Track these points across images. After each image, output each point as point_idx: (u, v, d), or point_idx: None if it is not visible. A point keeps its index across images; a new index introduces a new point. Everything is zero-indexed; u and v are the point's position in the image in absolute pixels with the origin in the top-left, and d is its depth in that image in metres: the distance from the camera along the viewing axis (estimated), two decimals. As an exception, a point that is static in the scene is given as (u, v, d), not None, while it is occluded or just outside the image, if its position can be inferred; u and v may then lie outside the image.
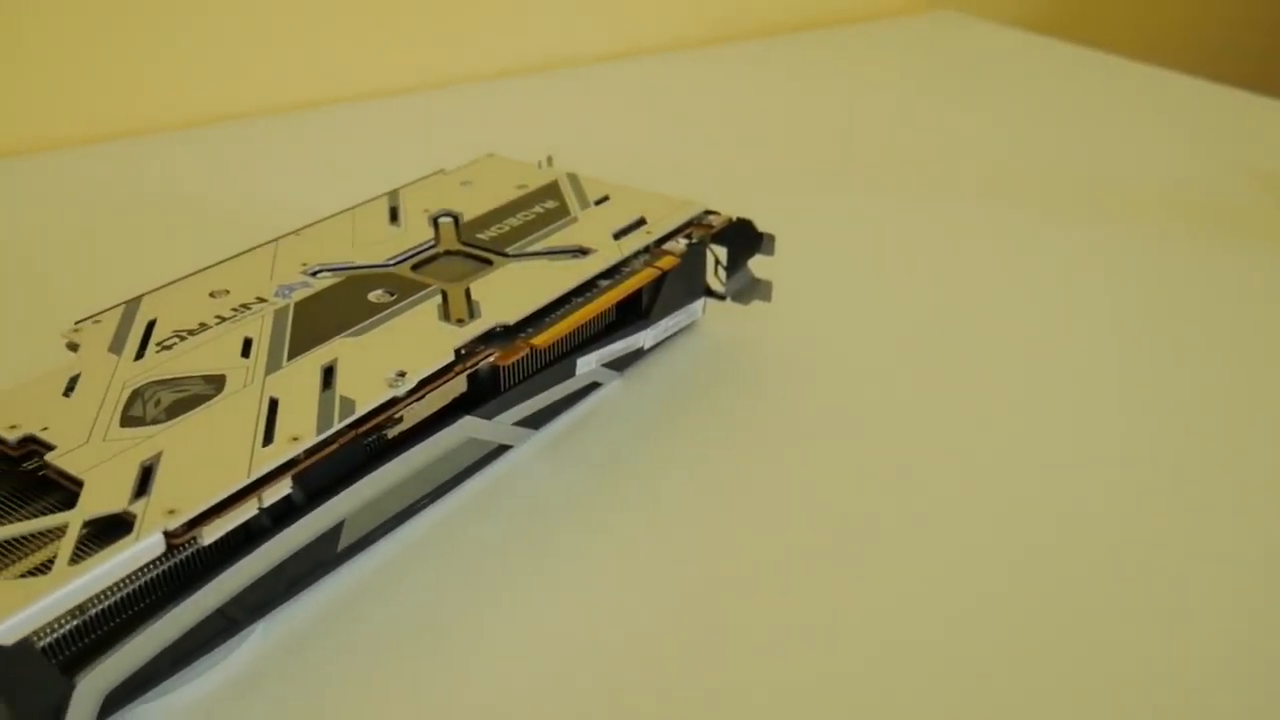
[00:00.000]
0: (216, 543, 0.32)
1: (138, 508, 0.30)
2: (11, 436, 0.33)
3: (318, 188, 0.66)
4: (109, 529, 0.30)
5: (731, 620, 0.36)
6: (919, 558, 0.38)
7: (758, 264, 0.51)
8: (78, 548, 0.29)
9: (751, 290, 0.51)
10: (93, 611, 0.30)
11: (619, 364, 0.48)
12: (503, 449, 0.43)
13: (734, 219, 0.50)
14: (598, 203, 0.50)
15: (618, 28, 0.99)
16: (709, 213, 0.50)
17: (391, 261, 0.45)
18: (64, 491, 0.32)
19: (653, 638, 0.35)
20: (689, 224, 0.49)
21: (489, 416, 0.41)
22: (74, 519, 0.30)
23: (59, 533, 0.30)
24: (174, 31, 0.77)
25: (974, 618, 0.36)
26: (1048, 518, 0.40)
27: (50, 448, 0.33)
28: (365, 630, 0.35)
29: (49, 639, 0.29)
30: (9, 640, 0.27)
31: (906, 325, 0.53)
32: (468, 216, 0.49)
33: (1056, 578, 0.37)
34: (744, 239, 0.50)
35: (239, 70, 0.81)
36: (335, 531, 0.36)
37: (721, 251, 0.51)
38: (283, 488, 0.33)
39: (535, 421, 0.44)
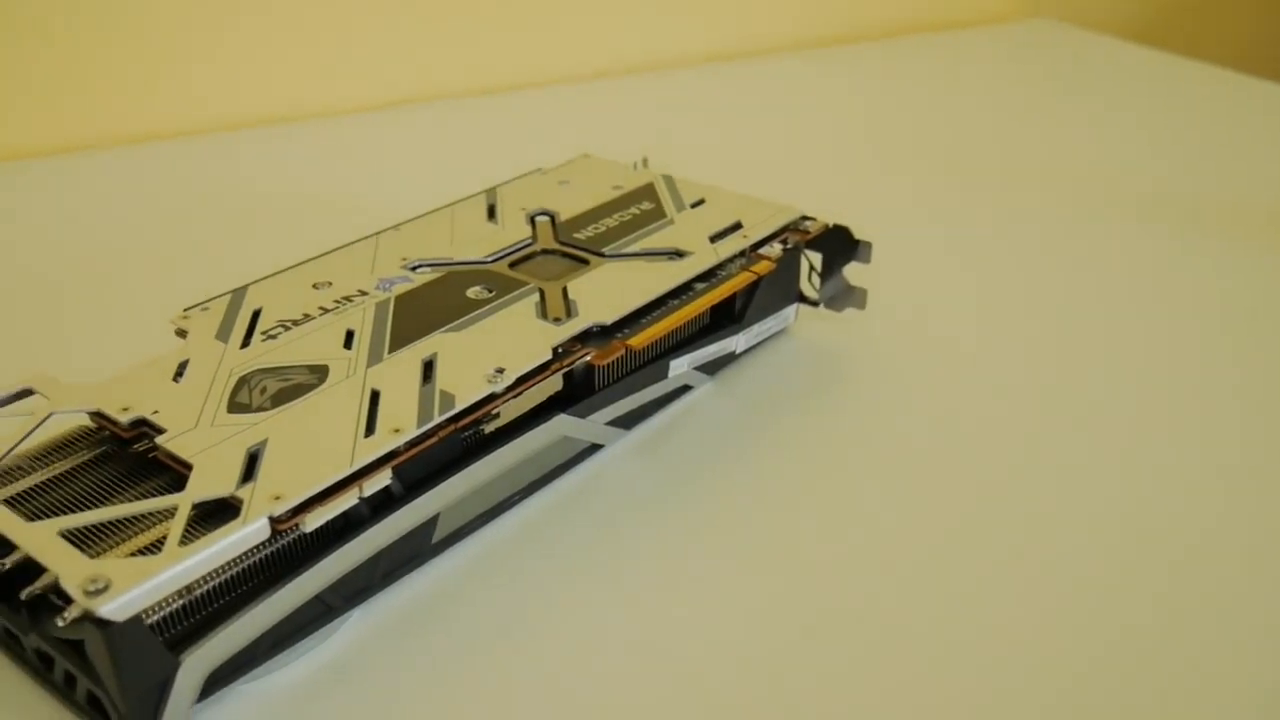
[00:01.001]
0: (316, 530, 0.32)
1: (244, 492, 0.31)
2: (123, 419, 0.34)
3: (417, 184, 0.67)
4: (216, 512, 0.31)
5: (820, 624, 0.35)
6: (1011, 568, 0.38)
7: (853, 271, 0.50)
8: (187, 529, 0.30)
9: (846, 297, 0.51)
10: (198, 592, 0.31)
11: (710, 367, 0.47)
12: (594, 448, 0.43)
13: (830, 225, 0.49)
14: (694, 205, 0.50)
15: (713, 31, 0.98)
16: (805, 218, 0.50)
17: (490, 258, 0.45)
18: (173, 474, 0.33)
19: (741, 641, 0.35)
20: (785, 229, 0.49)
21: (583, 415, 0.41)
22: (183, 501, 0.31)
23: (168, 514, 0.31)
24: (286, 27, 0.79)
25: (1067, 632, 0.35)
26: (1155, 536, 0.39)
27: (160, 431, 0.34)
28: (457, 622, 0.35)
29: (157, 616, 0.30)
30: (120, 616, 0.27)
31: (1002, 336, 0.52)
32: (564, 216, 0.49)
33: (1164, 596, 0.37)
34: (840, 246, 0.50)
35: (346, 67, 0.83)
36: (430, 524, 0.36)
37: (816, 258, 0.50)
38: (383, 478, 0.33)
39: (627, 422, 0.44)
